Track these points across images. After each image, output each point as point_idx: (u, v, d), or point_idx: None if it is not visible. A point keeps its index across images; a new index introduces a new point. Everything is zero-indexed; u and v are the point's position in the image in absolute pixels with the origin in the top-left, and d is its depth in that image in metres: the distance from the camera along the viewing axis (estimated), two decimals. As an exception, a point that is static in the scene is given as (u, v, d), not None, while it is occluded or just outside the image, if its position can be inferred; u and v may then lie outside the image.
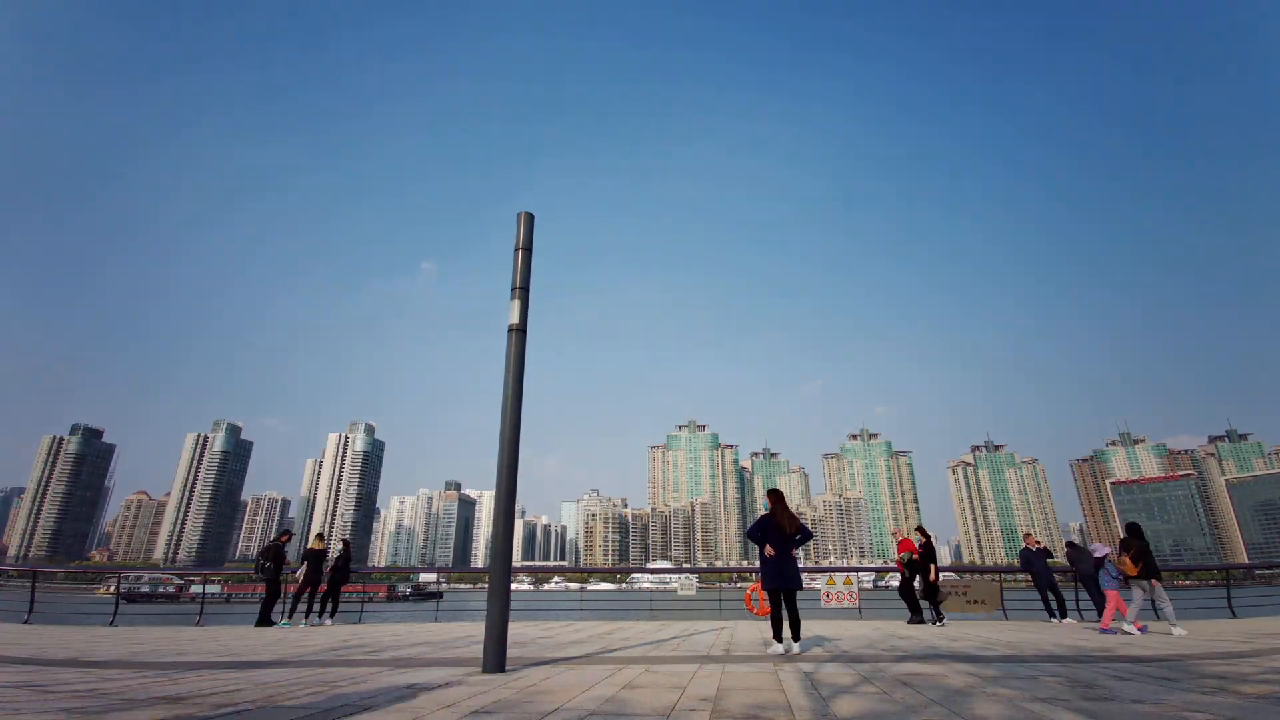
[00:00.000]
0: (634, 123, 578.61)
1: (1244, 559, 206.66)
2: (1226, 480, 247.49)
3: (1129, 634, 9.46)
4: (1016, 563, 14.20)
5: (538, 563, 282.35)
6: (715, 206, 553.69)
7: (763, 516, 7.68)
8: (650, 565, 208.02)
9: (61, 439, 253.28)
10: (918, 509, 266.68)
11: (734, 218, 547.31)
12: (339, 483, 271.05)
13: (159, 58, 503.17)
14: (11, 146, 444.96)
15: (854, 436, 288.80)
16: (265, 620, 12.56)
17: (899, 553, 12.67)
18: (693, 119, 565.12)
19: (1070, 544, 14.28)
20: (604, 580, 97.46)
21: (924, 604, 12.22)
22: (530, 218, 6.71)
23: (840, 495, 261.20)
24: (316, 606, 13.34)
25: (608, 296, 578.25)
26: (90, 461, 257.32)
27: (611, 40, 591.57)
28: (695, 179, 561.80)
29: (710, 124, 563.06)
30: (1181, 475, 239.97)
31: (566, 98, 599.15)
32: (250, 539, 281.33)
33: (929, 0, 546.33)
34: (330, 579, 13.76)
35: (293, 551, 14.10)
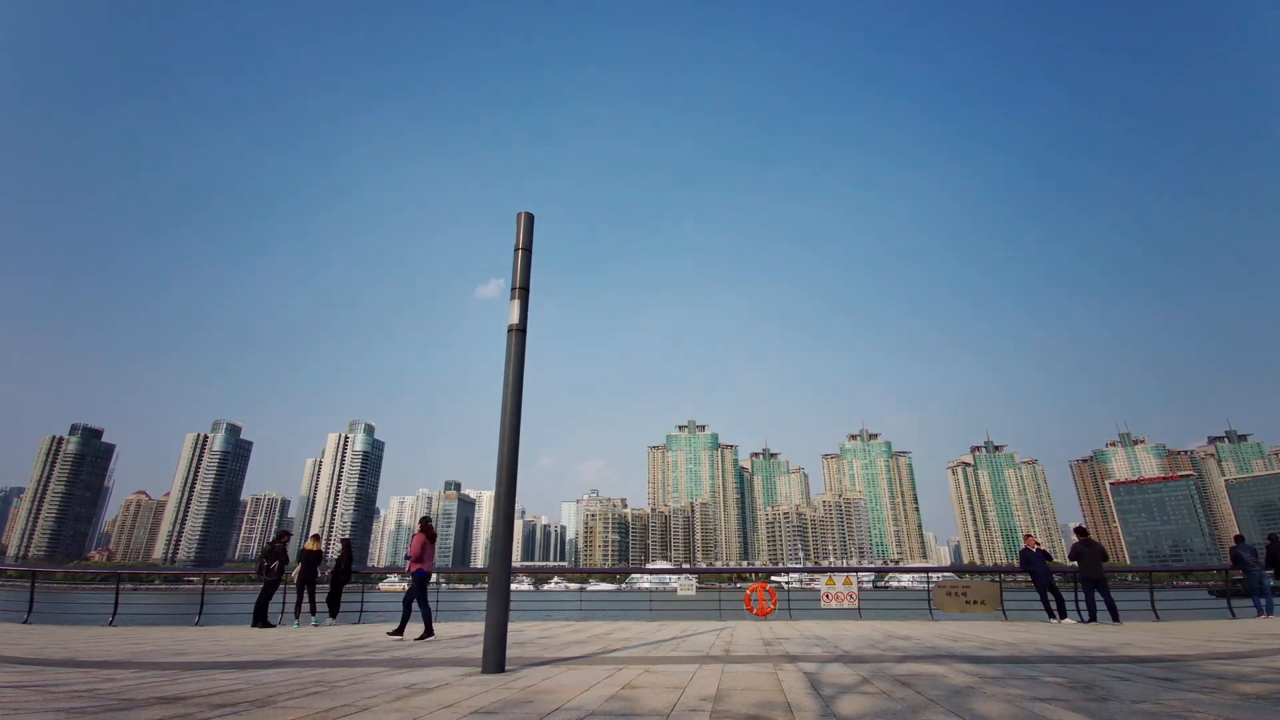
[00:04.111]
0: (621, 116, 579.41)
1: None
2: (1226, 481, 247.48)
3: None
4: (1016, 563, 14.24)
5: (537, 563, 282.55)
6: (713, 204, 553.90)
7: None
8: (650, 565, 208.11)
9: (61, 439, 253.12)
10: (918, 509, 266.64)
11: (733, 215, 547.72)
12: (339, 483, 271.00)
13: (173, 60, 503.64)
14: (16, 146, 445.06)
15: (853, 437, 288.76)
16: (263, 620, 12.55)
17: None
18: (685, 114, 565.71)
19: (1081, 531, 13.96)
20: (603, 581, 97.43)
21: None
22: (530, 218, 6.71)
23: (840, 495, 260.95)
24: (309, 605, 13.35)
25: (608, 295, 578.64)
26: (90, 461, 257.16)
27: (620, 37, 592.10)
28: (692, 178, 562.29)
29: (707, 124, 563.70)
30: (1181, 476, 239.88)
31: (571, 83, 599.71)
32: (250, 539, 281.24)
33: None
34: (331, 579, 13.78)
35: (292, 552, 14.13)
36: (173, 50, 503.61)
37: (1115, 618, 12.54)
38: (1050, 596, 13.07)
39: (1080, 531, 13.90)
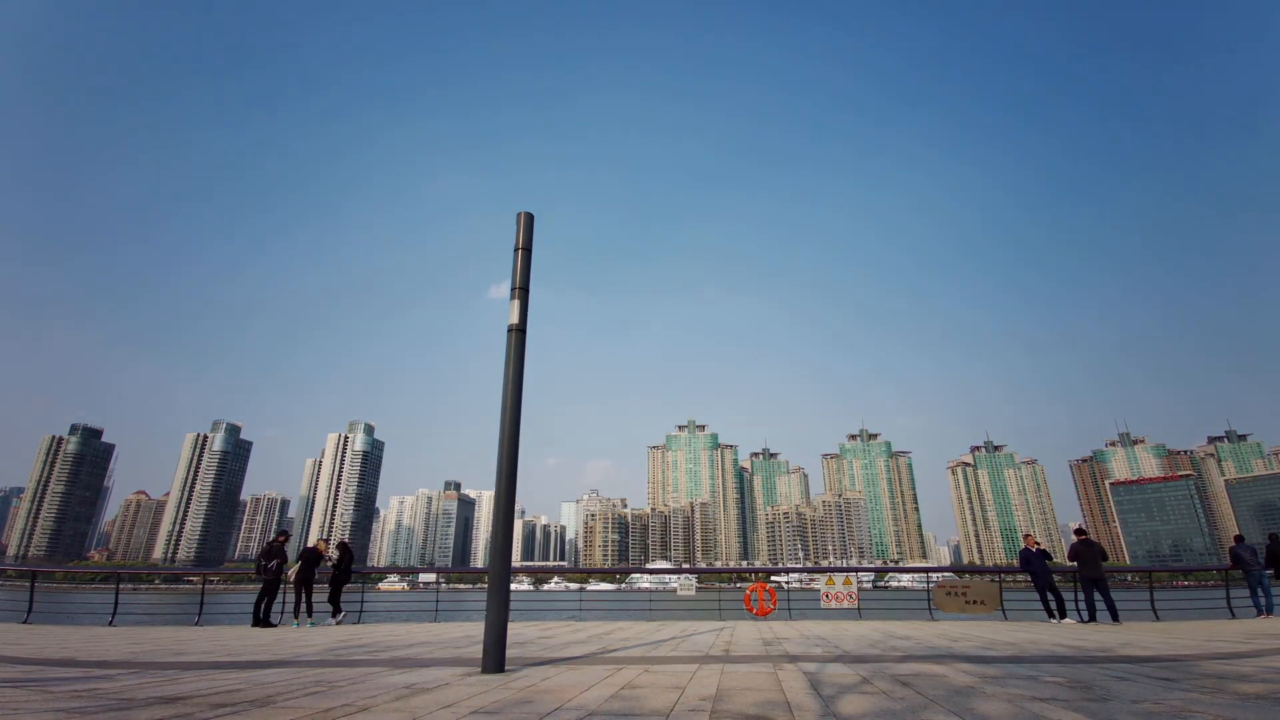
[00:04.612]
0: (630, 114, 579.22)
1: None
2: (1226, 481, 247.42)
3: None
4: (1016, 563, 14.28)
5: (537, 563, 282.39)
6: (721, 204, 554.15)
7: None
8: (650, 565, 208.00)
9: (61, 439, 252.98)
10: (917, 509, 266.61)
11: (740, 215, 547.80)
12: (338, 482, 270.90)
13: (175, 58, 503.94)
14: (12, 144, 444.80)
15: (853, 437, 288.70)
16: (263, 620, 12.55)
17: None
18: (676, 111, 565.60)
19: (1081, 531, 14.05)
20: (603, 581, 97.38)
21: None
22: (530, 218, 6.71)
23: (840, 495, 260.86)
24: (314, 607, 13.35)
25: (608, 295, 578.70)
26: (89, 461, 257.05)
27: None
28: (702, 178, 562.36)
29: (698, 119, 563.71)
30: (1181, 476, 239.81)
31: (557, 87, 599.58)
32: (250, 539, 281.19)
33: None
34: (331, 580, 13.78)
35: (291, 552, 14.13)
36: (176, 48, 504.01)
37: (1115, 618, 12.55)
38: (1050, 596, 13.08)
39: (1079, 532, 13.94)
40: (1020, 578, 16.94)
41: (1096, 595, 12.80)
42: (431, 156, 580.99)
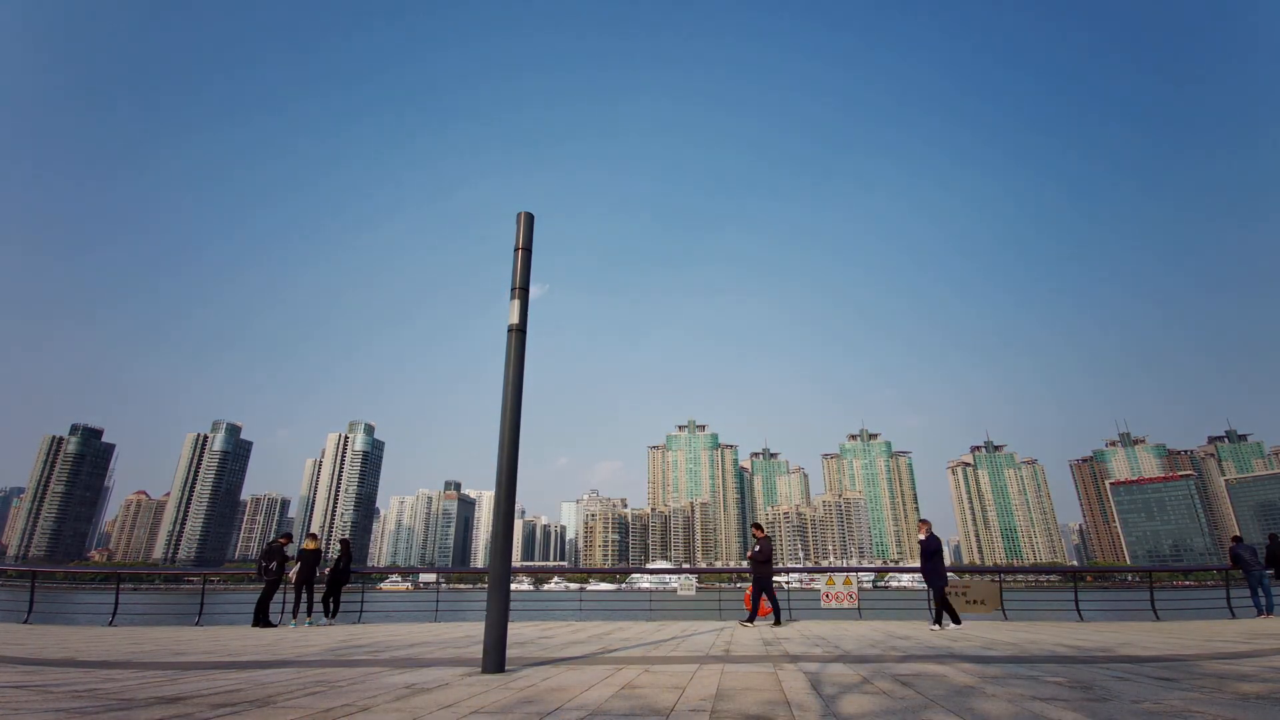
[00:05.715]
0: (631, 115, 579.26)
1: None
2: (1226, 481, 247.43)
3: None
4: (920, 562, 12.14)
5: (537, 563, 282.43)
6: (710, 202, 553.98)
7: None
8: (650, 565, 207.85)
9: (61, 439, 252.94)
10: (917, 509, 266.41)
11: (731, 212, 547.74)
12: (339, 482, 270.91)
13: (180, 58, 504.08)
14: (13, 143, 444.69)
15: (853, 437, 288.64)
16: (264, 620, 12.55)
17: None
18: (671, 104, 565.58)
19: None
20: (603, 581, 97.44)
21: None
22: (530, 218, 6.71)
23: (840, 495, 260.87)
24: (314, 606, 13.34)
25: (610, 296, 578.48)
26: (90, 461, 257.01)
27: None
28: (690, 176, 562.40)
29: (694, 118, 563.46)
30: (1181, 476, 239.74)
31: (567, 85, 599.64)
32: (250, 539, 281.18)
33: None
34: (330, 579, 13.76)
35: (292, 552, 14.13)
36: (178, 47, 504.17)
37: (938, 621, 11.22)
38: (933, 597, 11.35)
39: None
40: (1020, 577, 16.87)
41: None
42: (430, 157, 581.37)
